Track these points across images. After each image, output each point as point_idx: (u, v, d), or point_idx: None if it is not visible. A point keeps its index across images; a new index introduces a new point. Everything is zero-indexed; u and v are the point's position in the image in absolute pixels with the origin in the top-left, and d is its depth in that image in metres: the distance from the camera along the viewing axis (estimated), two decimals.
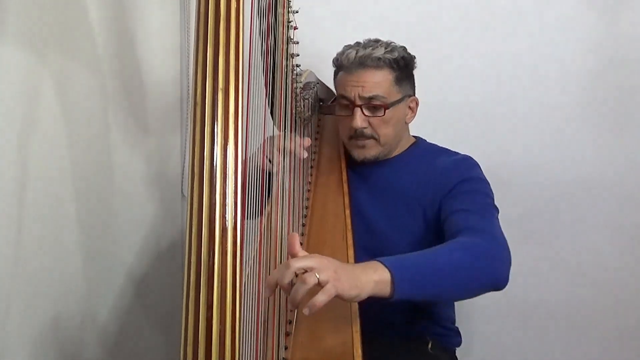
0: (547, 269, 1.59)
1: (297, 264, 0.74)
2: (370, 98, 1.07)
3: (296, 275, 0.75)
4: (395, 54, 1.09)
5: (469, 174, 1.09)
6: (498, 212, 1.07)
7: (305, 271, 0.74)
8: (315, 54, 1.37)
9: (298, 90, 1.17)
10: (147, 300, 1.50)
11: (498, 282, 0.87)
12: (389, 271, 0.78)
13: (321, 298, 0.73)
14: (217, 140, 0.59)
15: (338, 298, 0.75)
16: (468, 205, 1.01)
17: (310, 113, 1.26)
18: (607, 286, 1.56)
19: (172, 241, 1.62)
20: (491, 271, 0.87)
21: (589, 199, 1.56)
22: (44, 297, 1.56)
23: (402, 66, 1.11)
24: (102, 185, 1.75)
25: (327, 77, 1.57)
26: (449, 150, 1.21)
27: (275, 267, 0.91)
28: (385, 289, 0.78)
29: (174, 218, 1.65)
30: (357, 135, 1.11)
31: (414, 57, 1.16)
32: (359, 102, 1.08)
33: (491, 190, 1.10)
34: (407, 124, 1.19)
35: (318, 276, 0.73)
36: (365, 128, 1.09)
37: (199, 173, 0.59)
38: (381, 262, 0.80)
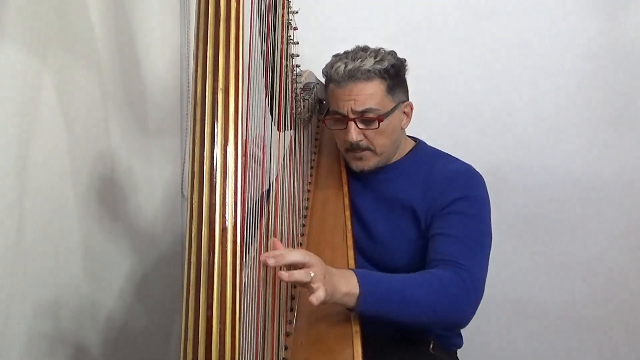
0: (548, 270, 1.59)
1: (293, 258, 0.77)
2: (363, 112, 1.05)
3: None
4: (385, 64, 1.06)
5: (468, 192, 1.05)
6: (491, 240, 1.03)
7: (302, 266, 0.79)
8: (315, 54, 1.37)
9: (298, 91, 1.17)
10: (147, 300, 1.50)
11: (457, 325, 0.93)
12: (359, 287, 0.83)
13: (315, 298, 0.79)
14: (217, 140, 0.59)
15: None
16: (460, 232, 0.98)
17: (310, 113, 1.26)
18: (609, 286, 1.56)
19: (172, 241, 1.62)
20: (454, 315, 0.90)
21: (590, 198, 1.56)
22: (45, 296, 1.56)
23: (393, 74, 1.08)
24: (102, 185, 1.75)
25: None
26: (450, 155, 1.19)
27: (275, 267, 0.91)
28: (350, 302, 0.85)
29: (174, 218, 1.65)
30: (353, 148, 1.10)
31: (405, 61, 1.14)
32: (352, 116, 1.06)
33: (489, 211, 1.06)
34: (403, 129, 1.17)
35: (312, 275, 0.78)
36: (360, 141, 1.08)
37: (199, 173, 0.59)
38: (355, 276, 0.85)
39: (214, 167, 0.59)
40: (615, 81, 1.52)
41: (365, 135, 1.08)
